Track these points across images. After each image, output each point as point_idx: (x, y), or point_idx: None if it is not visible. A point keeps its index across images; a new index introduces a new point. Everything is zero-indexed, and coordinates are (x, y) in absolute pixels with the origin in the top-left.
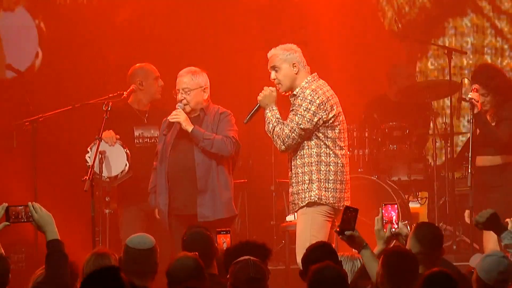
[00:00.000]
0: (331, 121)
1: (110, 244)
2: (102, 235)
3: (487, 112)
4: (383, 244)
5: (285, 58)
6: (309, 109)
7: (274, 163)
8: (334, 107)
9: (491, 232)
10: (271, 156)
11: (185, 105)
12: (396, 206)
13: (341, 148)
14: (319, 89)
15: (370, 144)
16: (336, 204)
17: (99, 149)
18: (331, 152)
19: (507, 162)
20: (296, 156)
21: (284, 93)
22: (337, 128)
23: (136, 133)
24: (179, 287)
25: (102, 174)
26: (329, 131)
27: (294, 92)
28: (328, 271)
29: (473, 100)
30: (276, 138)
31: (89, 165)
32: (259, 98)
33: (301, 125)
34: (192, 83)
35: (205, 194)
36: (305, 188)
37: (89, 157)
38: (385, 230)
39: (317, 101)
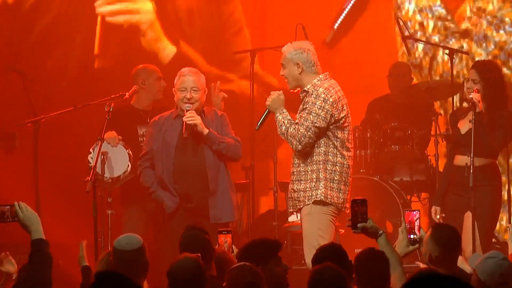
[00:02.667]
0: (342, 121)
1: (112, 245)
2: (104, 236)
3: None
4: (401, 255)
5: (291, 57)
6: (324, 107)
7: (276, 163)
8: (345, 107)
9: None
10: (273, 157)
11: (192, 103)
12: (417, 212)
13: (348, 150)
14: (332, 88)
15: (372, 145)
16: (339, 205)
17: (101, 150)
18: (338, 153)
19: (489, 163)
20: (306, 154)
21: (292, 90)
22: (346, 129)
23: (140, 132)
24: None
25: (104, 175)
26: (338, 131)
27: (306, 89)
28: (327, 272)
29: (474, 99)
30: (291, 138)
31: (91, 166)
32: (267, 103)
33: (317, 124)
34: (199, 83)
35: (215, 196)
36: (313, 186)
37: (91, 158)
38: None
39: (331, 99)
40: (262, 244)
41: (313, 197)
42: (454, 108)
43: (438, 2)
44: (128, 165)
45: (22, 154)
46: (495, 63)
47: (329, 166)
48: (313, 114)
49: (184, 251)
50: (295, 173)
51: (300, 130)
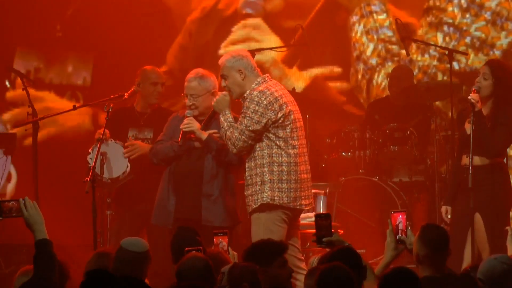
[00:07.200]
0: (280, 121)
1: (111, 245)
2: (104, 236)
3: (482, 103)
4: (390, 257)
5: (232, 66)
6: (257, 111)
7: None
8: (284, 107)
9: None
10: None
11: (193, 110)
12: (404, 213)
13: (294, 147)
14: (267, 90)
15: (371, 145)
16: (291, 204)
17: (100, 151)
18: (283, 152)
19: (495, 162)
20: (250, 158)
21: (236, 99)
22: (288, 128)
23: (130, 134)
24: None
25: (104, 176)
26: (279, 131)
27: (245, 95)
28: (336, 272)
29: (472, 100)
30: (227, 141)
31: (90, 167)
32: (213, 104)
33: (250, 127)
34: (200, 89)
35: (210, 198)
36: (258, 189)
37: (91, 158)
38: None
39: (264, 102)
40: (266, 245)
41: (259, 200)
42: (452, 109)
43: (387, 23)
44: (127, 166)
45: (22, 154)
46: (509, 64)
47: (275, 167)
48: (247, 117)
49: (175, 253)
50: (245, 179)
51: (235, 134)
